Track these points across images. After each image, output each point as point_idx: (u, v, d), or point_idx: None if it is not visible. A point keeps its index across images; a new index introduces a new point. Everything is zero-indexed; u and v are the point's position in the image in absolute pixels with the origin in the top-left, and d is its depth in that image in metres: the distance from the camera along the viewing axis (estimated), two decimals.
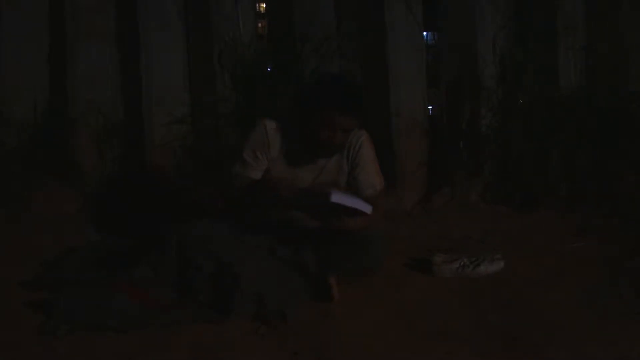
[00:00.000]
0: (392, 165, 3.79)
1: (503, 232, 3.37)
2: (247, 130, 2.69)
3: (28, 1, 3.88)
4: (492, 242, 3.21)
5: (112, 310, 2.28)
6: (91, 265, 2.79)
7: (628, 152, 3.70)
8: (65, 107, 3.92)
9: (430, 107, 4.11)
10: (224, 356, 2.02)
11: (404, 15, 3.89)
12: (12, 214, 3.57)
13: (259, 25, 4.32)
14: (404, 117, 3.84)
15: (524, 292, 2.53)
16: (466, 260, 2.78)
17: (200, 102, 3.93)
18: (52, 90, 3.94)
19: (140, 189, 3.77)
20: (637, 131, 3.72)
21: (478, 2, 3.91)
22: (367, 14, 3.94)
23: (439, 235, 3.37)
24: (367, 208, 2.41)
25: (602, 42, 3.93)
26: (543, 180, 3.73)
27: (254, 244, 2.53)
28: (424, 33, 4.12)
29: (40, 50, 3.93)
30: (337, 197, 2.34)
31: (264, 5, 4.47)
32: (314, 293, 2.48)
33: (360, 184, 2.64)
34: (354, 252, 2.55)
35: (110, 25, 3.95)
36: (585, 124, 3.77)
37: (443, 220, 3.62)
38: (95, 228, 3.48)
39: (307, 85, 2.62)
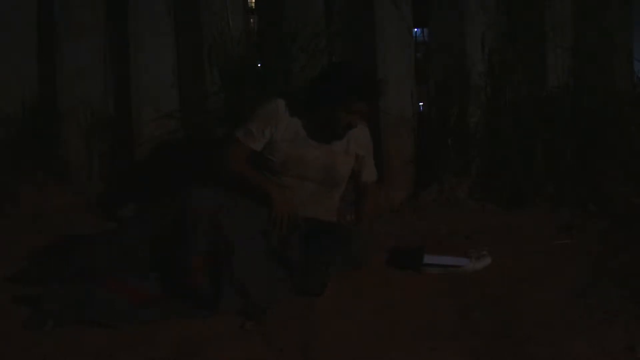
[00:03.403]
0: (380, 162, 3.79)
1: (490, 230, 3.39)
2: (233, 125, 2.72)
3: None
4: (479, 239, 3.22)
5: (99, 305, 2.28)
6: (81, 258, 2.77)
7: (615, 151, 3.73)
8: (54, 102, 3.91)
9: (421, 103, 4.12)
10: (209, 352, 2.01)
11: (393, 13, 3.90)
12: (0, 208, 3.56)
13: (251, 20, 4.31)
14: (392, 114, 3.85)
15: (510, 289, 2.53)
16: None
17: (190, 98, 3.93)
18: (41, 85, 3.93)
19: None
20: (623, 130, 3.74)
21: (467, 0, 3.93)
22: (356, 11, 3.96)
23: (426, 232, 3.38)
24: (463, 262, 2.73)
25: (590, 41, 3.96)
26: (530, 178, 3.75)
27: (248, 230, 2.49)
28: (415, 30, 4.14)
29: (29, 45, 3.92)
30: (430, 258, 2.73)
31: (254, 1, 4.46)
32: (300, 288, 2.49)
33: (365, 169, 2.90)
34: (338, 247, 2.58)
35: (99, 21, 3.95)
36: (573, 123, 3.79)
37: (431, 217, 3.64)
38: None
39: (324, 73, 2.78)
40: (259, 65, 3.86)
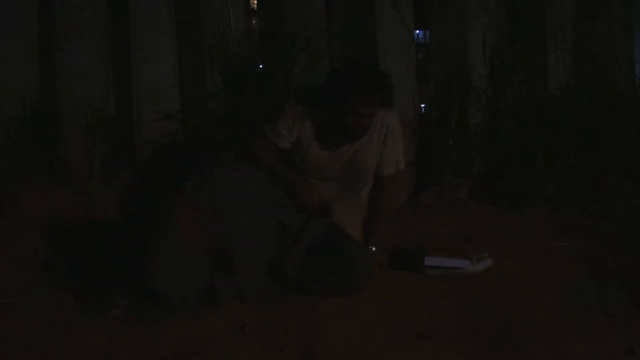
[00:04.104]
0: None
1: (490, 230, 3.39)
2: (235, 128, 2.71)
3: None
4: (479, 240, 3.22)
5: None
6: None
7: (615, 151, 3.73)
8: (54, 103, 3.91)
9: (422, 105, 4.12)
10: (209, 352, 2.01)
11: (393, 13, 3.91)
12: (0, 209, 3.56)
13: (253, 22, 4.32)
14: None
15: (510, 291, 2.53)
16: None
17: (190, 98, 3.93)
18: (41, 85, 3.93)
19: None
20: (623, 130, 3.75)
21: (468, 2, 3.93)
22: (356, 12, 3.96)
23: (427, 234, 3.37)
24: (463, 264, 2.75)
25: (590, 42, 3.96)
26: (531, 178, 3.75)
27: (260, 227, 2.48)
28: (417, 31, 4.14)
29: (30, 46, 3.92)
30: (431, 260, 2.75)
31: (256, 2, 4.47)
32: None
33: (384, 161, 2.75)
34: (335, 273, 2.53)
35: (100, 21, 3.95)
36: (574, 124, 3.79)
37: (431, 218, 3.63)
38: None
39: (331, 74, 2.80)
40: (260, 66, 3.86)
